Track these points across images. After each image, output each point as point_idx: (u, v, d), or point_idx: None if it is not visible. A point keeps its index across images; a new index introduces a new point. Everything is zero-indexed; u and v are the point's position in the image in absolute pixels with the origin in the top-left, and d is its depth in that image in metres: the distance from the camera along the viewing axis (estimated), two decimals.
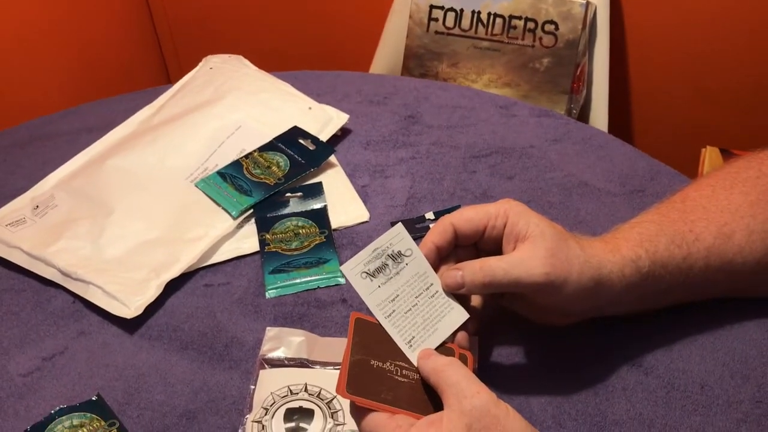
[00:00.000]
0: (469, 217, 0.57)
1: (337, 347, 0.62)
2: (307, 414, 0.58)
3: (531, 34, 1.25)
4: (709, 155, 1.29)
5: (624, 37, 1.44)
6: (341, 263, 0.69)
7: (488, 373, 0.60)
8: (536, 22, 1.24)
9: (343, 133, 0.90)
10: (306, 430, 0.56)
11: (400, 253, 0.56)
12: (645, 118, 1.54)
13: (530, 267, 0.53)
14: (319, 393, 0.59)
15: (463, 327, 0.56)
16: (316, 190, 0.80)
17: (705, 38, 1.39)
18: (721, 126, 1.47)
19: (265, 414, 0.58)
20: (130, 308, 0.67)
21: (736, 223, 0.59)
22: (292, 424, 0.57)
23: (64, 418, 0.58)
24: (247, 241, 0.76)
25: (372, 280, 0.54)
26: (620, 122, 1.54)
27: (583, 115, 1.34)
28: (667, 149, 1.48)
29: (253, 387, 0.60)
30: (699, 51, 1.40)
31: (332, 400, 0.59)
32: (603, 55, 1.31)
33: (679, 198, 0.63)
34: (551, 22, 1.24)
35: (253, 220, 0.78)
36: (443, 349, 0.54)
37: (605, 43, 1.30)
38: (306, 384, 0.60)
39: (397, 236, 0.56)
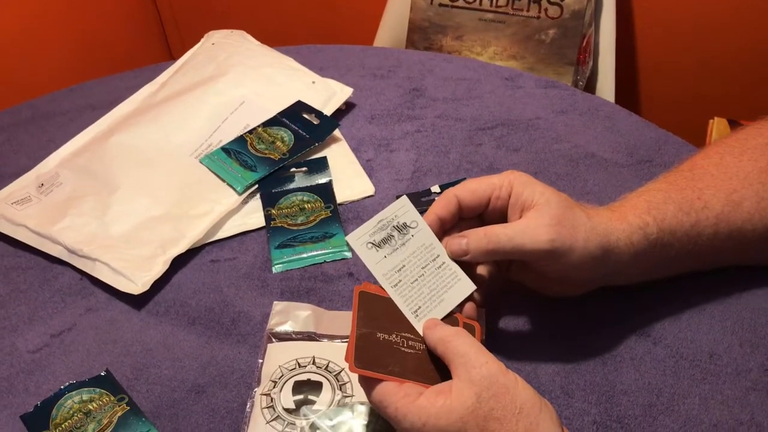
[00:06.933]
0: (473, 188, 0.56)
1: (343, 320, 0.62)
2: (315, 386, 0.58)
3: (536, 5, 1.24)
4: (717, 126, 1.28)
5: (630, 7, 1.42)
6: None
7: (496, 344, 0.60)
8: None
9: (347, 107, 0.90)
10: (314, 402, 0.56)
11: (405, 225, 0.55)
12: (652, 89, 1.53)
13: (535, 234, 0.53)
14: (327, 365, 0.59)
15: (470, 298, 0.56)
16: (321, 165, 0.80)
17: (712, 8, 1.37)
18: (728, 97, 1.46)
19: (274, 387, 0.58)
20: (136, 284, 0.67)
21: (745, 191, 0.59)
22: (301, 397, 0.57)
23: (73, 393, 0.59)
24: (253, 216, 0.76)
25: (378, 251, 0.54)
26: (627, 94, 1.52)
27: (590, 87, 1.33)
28: (674, 121, 1.47)
29: (261, 361, 0.61)
30: (706, 21, 1.39)
31: (340, 372, 0.59)
32: (609, 25, 1.29)
33: (688, 166, 0.62)
34: None
35: (258, 195, 0.78)
36: (448, 319, 0.54)
37: (611, 14, 1.29)
38: (314, 357, 0.60)
39: (402, 208, 0.56)
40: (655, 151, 0.80)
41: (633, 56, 1.49)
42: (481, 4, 1.27)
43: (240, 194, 0.77)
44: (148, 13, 1.81)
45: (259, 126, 0.84)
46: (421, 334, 0.53)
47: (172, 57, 1.87)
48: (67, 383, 0.59)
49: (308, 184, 0.78)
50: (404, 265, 0.54)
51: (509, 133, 0.84)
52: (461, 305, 0.56)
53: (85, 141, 0.84)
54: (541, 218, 0.53)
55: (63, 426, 0.56)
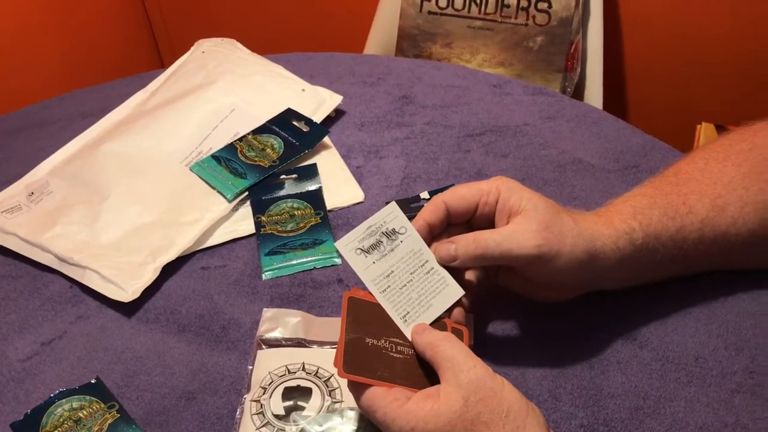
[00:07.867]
0: (461, 194, 0.57)
1: (333, 327, 0.63)
2: (305, 392, 0.58)
3: (524, 12, 1.25)
4: (704, 132, 1.29)
5: (618, 14, 1.43)
6: None
7: (484, 349, 0.60)
8: (529, 0, 1.24)
9: (337, 114, 0.90)
10: (304, 408, 0.57)
11: (394, 231, 0.56)
12: (640, 95, 1.54)
13: (522, 239, 0.53)
14: (317, 371, 0.59)
15: (458, 303, 0.56)
16: (311, 172, 0.80)
17: (700, 15, 1.38)
18: (716, 102, 1.47)
19: (264, 393, 0.58)
20: (127, 292, 0.68)
21: (729, 196, 0.60)
22: (291, 403, 0.57)
23: (63, 401, 0.59)
24: (243, 223, 0.76)
25: (366, 257, 0.54)
26: (615, 100, 1.54)
27: (578, 93, 1.34)
28: (662, 126, 1.48)
29: (251, 367, 0.61)
30: (694, 28, 1.40)
31: (330, 378, 0.59)
32: (597, 32, 1.30)
33: (672, 171, 0.63)
34: None
35: (248, 202, 0.78)
36: (437, 324, 0.55)
37: (599, 20, 1.30)
38: (303, 363, 0.60)
39: (391, 214, 0.56)
40: (641, 157, 0.80)
41: (621, 63, 1.50)
42: (469, 11, 1.28)
43: (230, 201, 0.77)
44: (138, 21, 1.82)
45: (249, 133, 0.84)
46: (410, 339, 0.54)
47: (163, 65, 1.87)
48: (58, 391, 0.60)
49: (298, 191, 0.79)
50: (393, 271, 0.55)
51: (497, 140, 0.85)
52: (449, 310, 0.56)
53: (76, 149, 0.85)
54: (528, 224, 0.54)
55: None
